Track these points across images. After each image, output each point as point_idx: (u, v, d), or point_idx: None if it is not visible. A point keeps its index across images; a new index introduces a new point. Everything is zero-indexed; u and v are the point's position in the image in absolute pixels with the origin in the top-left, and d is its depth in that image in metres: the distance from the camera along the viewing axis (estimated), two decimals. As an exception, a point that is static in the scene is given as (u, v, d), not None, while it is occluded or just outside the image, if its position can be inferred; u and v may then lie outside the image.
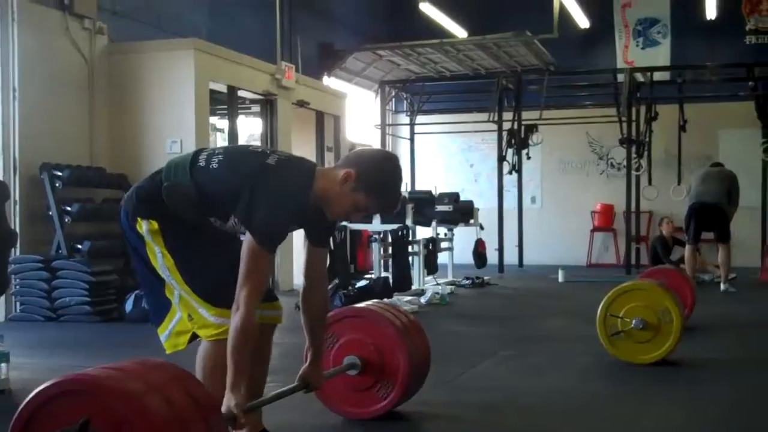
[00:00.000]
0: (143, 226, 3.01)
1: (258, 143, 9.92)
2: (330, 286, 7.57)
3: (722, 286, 9.45)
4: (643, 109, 12.87)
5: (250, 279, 2.80)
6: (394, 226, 8.92)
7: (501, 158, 12.77)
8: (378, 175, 2.93)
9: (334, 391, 3.72)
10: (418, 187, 13.26)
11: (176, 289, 3.02)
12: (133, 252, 3.13)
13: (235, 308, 2.78)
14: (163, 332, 3.12)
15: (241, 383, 2.77)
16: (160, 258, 3.01)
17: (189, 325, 3.03)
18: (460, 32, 13.28)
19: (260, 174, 2.86)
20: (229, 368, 2.76)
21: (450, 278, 10.43)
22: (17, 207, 7.37)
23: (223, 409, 2.67)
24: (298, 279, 9.46)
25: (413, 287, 8.99)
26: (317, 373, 3.30)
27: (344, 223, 9.10)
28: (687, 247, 9.58)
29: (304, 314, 3.23)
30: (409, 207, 9.39)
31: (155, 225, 3.00)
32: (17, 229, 6.93)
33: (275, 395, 3.11)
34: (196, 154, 3.04)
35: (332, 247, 8.63)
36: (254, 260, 2.82)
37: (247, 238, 2.85)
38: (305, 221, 3.04)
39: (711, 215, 9.39)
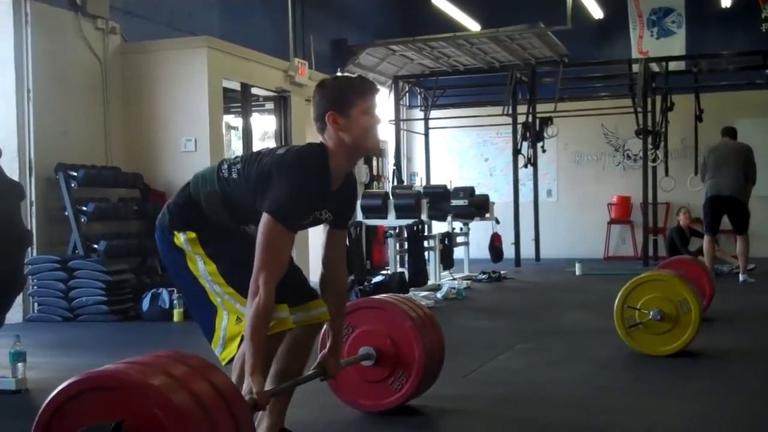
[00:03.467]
0: (181, 238, 3.01)
1: (272, 141, 9.93)
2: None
3: (741, 277, 9.38)
4: (658, 99, 12.80)
5: (268, 261, 2.78)
6: (410, 221, 8.91)
7: (516, 151, 12.72)
8: (336, 89, 2.97)
9: (348, 381, 3.70)
10: (433, 182, 13.24)
11: (219, 295, 2.99)
12: (174, 271, 3.13)
13: (253, 291, 2.76)
14: (216, 345, 3.05)
15: (260, 367, 2.75)
16: (201, 265, 2.99)
17: (238, 329, 2.97)
18: (473, 25, 13.23)
19: (274, 164, 2.87)
20: (247, 353, 2.75)
21: (466, 273, 10.41)
22: (33, 208, 7.41)
23: (245, 394, 2.65)
24: (314, 277, 9.45)
25: (429, 282, 8.98)
26: (335, 361, 3.28)
27: (359, 219, 9.11)
28: (705, 237, 9.51)
29: (324, 300, 3.21)
30: (425, 202, 9.37)
31: (192, 234, 3.00)
32: (33, 230, 6.96)
33: (293, 382, 3.09)
34: (219, 165, 3.07)
35: (348, 243, 8.65)
36: (272, 240, 2.79)
37: (262, 219, 2.82)
38: (325, 200, 2.99)
39: (729, 206, 9.31)
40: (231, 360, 3.01)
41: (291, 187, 2.81)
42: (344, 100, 2.94)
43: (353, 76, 3.02)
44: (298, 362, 3.18)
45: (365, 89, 3.00)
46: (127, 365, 2.28)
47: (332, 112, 2.93)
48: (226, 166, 3.03)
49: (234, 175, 2.98)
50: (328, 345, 3.27)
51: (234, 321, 2.98)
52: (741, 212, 9.35)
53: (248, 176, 2.94)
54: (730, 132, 9.75)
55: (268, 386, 3.08)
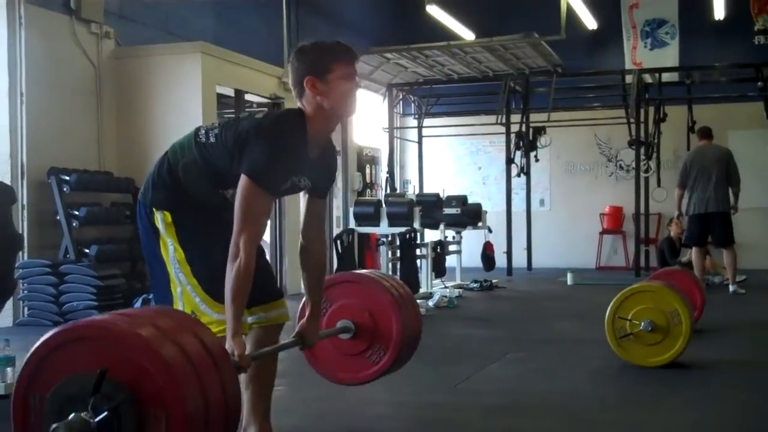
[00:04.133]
0: (158, 219, 3.00)
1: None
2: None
3: (731, 288, 9.40)
4: (651, 110, 12.83)
5: (247, 223, 2.77)
6: (402, 229, 8.91)
7: (509, 161, 12.74)
8: (315, 54, 2.96)
9: (326, 355, 3.66)
10: (426, 190, 13.24)
11: (181, 284, 2.98)
12: (148, 254, 3.12)
13: (233, 254, 2.75)
14: None
15: (240, 331, 2.74)
16: (171, 251, 2.98)
17: None
18: (467, 34, 13.26)
19: (251, 128, 2.87)
20: (228, 316, 2.74)
21: (458, 281, 10.41)
22: (25, 211, 7.38)
23: (234, 355, 2.66)
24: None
25: (421, 290, 8.97)
26: (314, 330, 3.25)
27: (352, 226, 9.09)
28: (693, 249, 9.53)
29: (304, 270, 3.22)
30: (417, 210, 9.37)
31: (169, 217, 2.99)
32: (25, 234, 6.94)
33: (272, 349, 3.06)
34: (196, 131, 3.05)
35: (340, 251, 8.64)
36: (250, 201, 2.79)
37: (240, 182, 2.80)
38: (304, 167, 2.98)
39: (715, 221, 9.36)
40: None
41: (268, 148, 2.80)
42: (323, 65, 2.92)
43: (332, 41, 2.99)
44: (266, 369, 3.16)
45: (344, 54, 2.98)
46: (113, 316, 2.24)
47: (310, 77, 2.91)
48: (203, 131, 3.01)
49: (212, 140, 2.97)
50: (306, 314, 3.24)
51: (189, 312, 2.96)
52: (726, 225, 9.38)
53: (226, 141, 2.92)
54: (707, 134, 9.78)
55: (243, 390, 3.09)
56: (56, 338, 2.20)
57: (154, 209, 3.02)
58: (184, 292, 2.98)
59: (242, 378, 3.11)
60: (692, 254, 9.55)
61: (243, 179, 2.80)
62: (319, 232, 3.21)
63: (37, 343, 2.21)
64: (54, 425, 2.11)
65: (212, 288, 2.93)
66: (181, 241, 2.99)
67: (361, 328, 3.57)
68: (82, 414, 2.10)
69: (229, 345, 2.71)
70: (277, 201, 9.56)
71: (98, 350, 2.15)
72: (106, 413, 2.10)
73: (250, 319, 3.05)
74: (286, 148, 2.85)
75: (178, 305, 3.00)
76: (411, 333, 3.67)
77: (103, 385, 2.10)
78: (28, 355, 2.22)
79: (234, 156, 2.86)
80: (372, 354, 3.60)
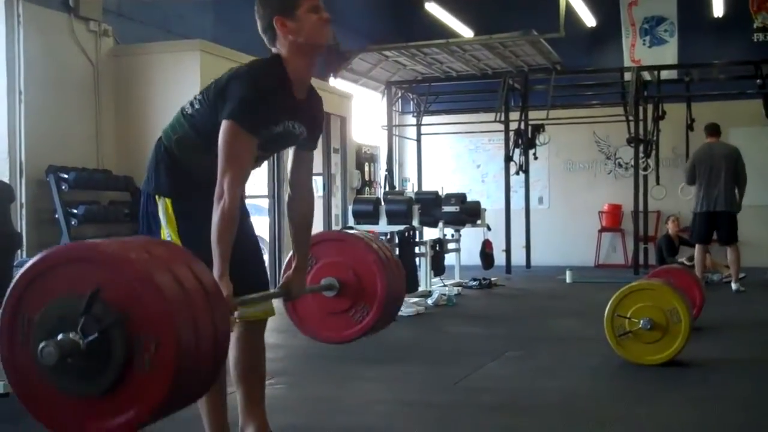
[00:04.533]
0: (160, 209, 2.99)
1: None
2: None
3: (733, 286, 9.39)
4: (650, 108, 12.83)
5: (230, 164, 2.76)
6: (401, 227, 8.91)
7: (508, 158, 12.73)
8: None
9: (309, 314, 3.61)
10: (425, 188, 13.23)
11: None
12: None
13: (218, 195, 2.75)
14: None
15: (227, 271, 2.72)
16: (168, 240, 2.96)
17: None
18: (466, 32, 13.26)
19: (230, 76, 2.87)
20: (215, 257, 2.72)
21: (457, 279, 10.41)
22: (23, 210, 7.37)
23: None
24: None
25: (420, 288, 8.97)
26: (299, 282, 3.23)
27: (351, 224, 9.09)
28: (697, 247, 9.52)
29: (290, 222, 3.21)
30: (416, 208, 9.37)
31: (169, 207, 2.98)
32: (23, 232, 6.93)
33: (258, 296, 3.03)
34: (182, 108, 3.07)
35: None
36: (231, 142, 2.77)
37: (222, 127, 2.79)
38: (294, 111, 2.97)
39: (722, 220, 9.36)
40: None
41: (246, 88, 2.79)
42: (289, 2, 2.90)
43: None
44: (253, 362, 3.15)
45: None
46: (105, 240, 2.23)
47: (279, 17, 2.90)
48: (188, 104, 3.03)
49: (196, 106, 2.99)
50: (293, 266, 3.22)
51: None
52: (732, 224, 9.38)
53: (209, 97, 2.93)
54: (715, 131, 9.76)
55: (236, 390, 3.10)
56: (47, 260, 2.17)
57: (156, 197, 3.01)
58: None
59: (233, 379, 3.11)
60: (696, 252, 9.54)
61: (224, 123, 2.79)
62: (307, 182, 3.19)
63: (28, 264, 2.19)
64: (43, 343, 2.08)
65: None
66: (181, 234, 2.97)
67: (345, 285, 3.51)
68: (71, 335, 2.08)
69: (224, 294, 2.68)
70: (276, 199, 9.56)
71: (89, 272, 2.11)
72: (96, 335, 2.08)
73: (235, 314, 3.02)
74: (267, 89, 2.83)
75: None
76: (395, 293, 3.61)
77: (94, 307, 2.08)
78: (18, 275, 2.19)
79: (217, 107, 2.85)
80: (356, 312, 3.54)
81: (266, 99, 2.82)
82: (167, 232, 2.98)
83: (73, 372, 2.12)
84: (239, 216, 2.81)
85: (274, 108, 2.87)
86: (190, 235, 2.96)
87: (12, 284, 2.20)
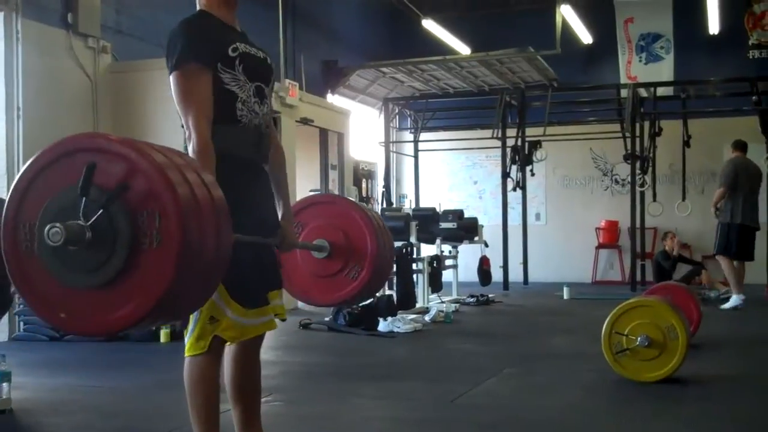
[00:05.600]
0: None
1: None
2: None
3: (738, 301, 9.40)
4: (647, 124, 12.86)
5: (188, 104, 2.81)
6: (399, 244, 8.90)
7: (505, 175, 12.76)
8: None
9: (303, 280, 3.59)
10: (422, 205, 13.26)
11: None
12: None
13: (187, 137, 2.79)
14: (186, 333, 2.94)
15: None
16: None
17: (210, 329, 2.85)
18: (463, 49, 13.32)
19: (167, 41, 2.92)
20: None
21: (454, 296, 10.40)
22: (21, 226, 7.36)
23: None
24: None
25: (417, 305, 8.96)
26: (290, 231, 3.22)
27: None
28: (725, 259, 9.49)
29: (270, 174, 3.18)
30: (413, 224, 9.37)
31: None
32: (21, 248, 6.92)
33: (251, 239, 2.95)
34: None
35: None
36: (183, 84, 2.82)
37: (170, 79, 2.85)
38: (239, 37, 3.01)
39: (751, 236, 9.47)
40: (192, 355, 2.91)
41: (180, 34, 2.86)
42: None
43: None
44: (250, 379, 3.12)
45: None
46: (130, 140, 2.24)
47: None
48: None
49: None
50: (280, 216, 3.20)
51: (206, 320, 2.85)
52: (753, 242, 9.46)
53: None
54: (744, 147, 9.85)
55: (232, 407, 3.09)
56: (41, 159, 2.24)
57: None
58: None
59: (228, 396, 3.09)
60: (725, 264, 9.49)
61: (171, 76, 2.85)
62: (275, 134, 3.21)
63: (22, 170, 2.24)
64: (49, 225, 2.10)
65: (238, 293, 2.87)
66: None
67: (335, 247, 3.50)
68: (74, 221, 2.11)
69: None
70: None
71: (81, 161, 2.15)
72: (99, 213, 2.09)
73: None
74: (201, 24, 2.90)
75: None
76: (385, 251, 3.58)
77: (91, 192, 2.09)
78: (14, 183, 2.24)
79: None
80: (349, 271, 3.51)
81: (203, 28, 2.90)
82: None
83: (78, 260, 2.12)
84: (213, 153, 2.80)
85: (216, 32, 2.93)
86: None
87: (10, 191, 2.23)
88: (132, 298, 2.12)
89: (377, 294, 8.71)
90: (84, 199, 2.10)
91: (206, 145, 2.78)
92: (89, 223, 2.09)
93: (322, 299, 3.66)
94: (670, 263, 10.90)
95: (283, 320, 3.17)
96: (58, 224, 2.09)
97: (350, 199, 3.69)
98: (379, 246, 3.49)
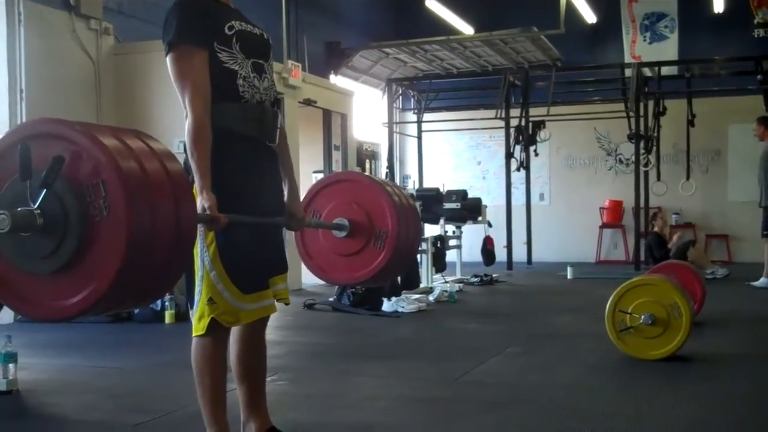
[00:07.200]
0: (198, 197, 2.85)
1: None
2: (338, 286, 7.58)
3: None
4: (651, 104, 12.83)
5: (184, 84, 2.83)
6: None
7: (509, 155, 12.74)
8: None
9: (322, 255, 3.58)
10: (426, 185, 13.25)
11: (207, 268, 2.86)
12: None
13: (185, 116, 2.81)
14: (191, 315, 2.99)
15: (210, 182, 2.73)
16: (201, 231, 2.84)
17: (208, 310, 2.86)
18: (466, 29, 13.26)
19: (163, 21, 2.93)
20: (194, 170, 2.74)
21: (458, 276, 10.42)
22: (25, 208, 7.39)
23: (198, 209, 2.61)
24: (306, 279, 9.55)
25: (421, 285, 8.99)
26: (295, 206, 3.21)
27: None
28: None
29: None
30: (417, 205, 9.37)
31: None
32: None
33: (254, 220, 2.94)
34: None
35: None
36: (179, 64, 2.84)
37: (167, 59, 2.86)
38: (230, 14, 3.02)
39: None
40: (198, 336, 2.93)
41: (176, 12, 2.87)
42: None
43: None
44: (255, 359, 3.14)
45: None
46: (81, 124, 2.23)
47: None
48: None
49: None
50: (286, 194, 3.19)
51: (204, 301, 2.86)
52: None
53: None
54: None
55: (238, 387, 3.11)
56: (17, 134, 2.22)
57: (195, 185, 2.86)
58: (206, 277, 2.87)
59: (234, 376, 3.11)
60: None
61: (168, 57, 2.86)
62: (276, 104, 3.20)
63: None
64: None
65: (238, 275, 2.87)
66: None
67: (356, 225, 3.47)
68: (24, 207, 2.10)
69: (201, 199, 2.68)
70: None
71: (58, 148, 2.13)
72: (43, 194, 2.08)
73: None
74: (194, 6, 2.90)
75: (197, 288, 2.90)
76: (407, 232, 3.55)
77: (33, 175, 2.08)
78: None
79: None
80: (374, 244, 3.47)
81: (197, 8, 2.90)
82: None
83: (33, 246, 2.11)
84: (209, 132, 2.81)
85: (210, 11, 2.93)
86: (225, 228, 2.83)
87: None
88: (91, 277, 2.11)
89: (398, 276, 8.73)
90: (28, 183, 2.10)
91: (201, 124, 2.80)
92: (36, 206, 2.09)
93: (341, 277, 3.65)
94: (663, 252, 10.81)
95: (287, 304, 3.18)
96: (4, 211, 2.08)
97: (372, 176, 3.63)
98: (399, 225, 3.45)
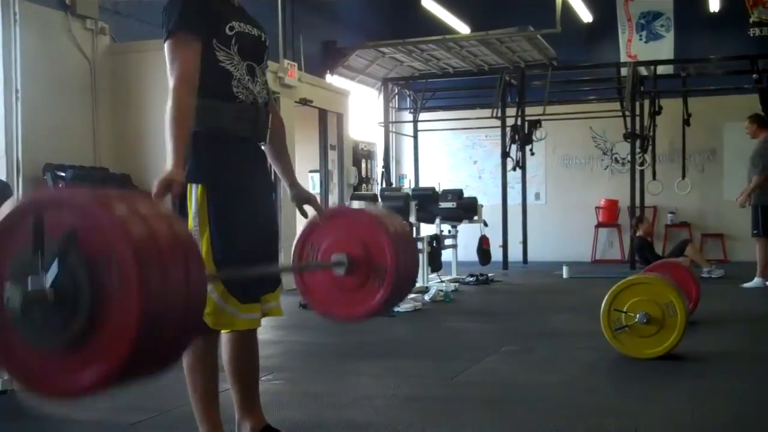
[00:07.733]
0: (192, 197, 2.88)
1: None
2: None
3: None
4: (646, 103, 12.85)
5: (173, 70, 2.83)
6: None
7: (505, 154, 12.75)
8: None
9: (328, 298, 3.46)
10: (422, 184, 13.26)
11: None
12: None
13: (168, 101, 2.82)
14: None
15: (179, 162, 2.70)
16: (196, 230, 2.84)
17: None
18: (462, 28, 13.28)
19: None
20: (170, 148, 2.72)
21: (454, 275, 10.43)
22: (21, 208, 7.37)
23: (163, 177, 2.61)
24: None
25: (417, 285, 8.99)
26: (297, 188, 3.24)
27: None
28: (762, 239, 9.51)
29: (270, 146, 3.19)
30: (413, 204, 9.39)
31: (200, 191, 2.88)
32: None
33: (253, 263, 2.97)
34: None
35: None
36: (174, 51, 2.84)
37: (165, 47, 2.87)
38: (237, 13, 3.02)
39: None
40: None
41: (175, 4, 2.88)
42: None
43: None
44: (248, 359, 3.14)
45: None
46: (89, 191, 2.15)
47: None
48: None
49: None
50: (288, 187, 3.23)
51: None
52: None
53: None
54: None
55: (231, 387, 3.11)
56: (24, 207, 2.11)
57: (189, 184, 2.87)
58: None
59: (227, 376, 3.11)
60: (763, 245, 9.48)
61: (165, 42, 2.87)
62: (273, 104, 3.22)
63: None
64: (7, 292, 2.02)
65: (232, 282, 2.87)
66: (211, 221, 2.87)
67: (355, 261, 3.35)
68: (35, 278, 2.03)
69: (168, 165, 2.66)
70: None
71: (67, 220, 2.06)
72: (57, 268, 2.01)
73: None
74: None
75: None
76: (406, 264, 3.41)
77: (45, 247, 2.02)
78: None
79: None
80: (369, 288, 3.34)
81: (199, 6, 2.89)
82: (195, 223, 2.88)
83: (43, 321, 2.04)
84: (190, 116, 2.81)
85: (213, 6, 2.93)
86: (220, 226, 2.86)
87: None
88: (104, 352, 2.06)
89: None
90: (40, 254, 2.08)
91: (183, 109, 2.78)
92: (50, 285, 2.02)
93: (339, 315, 3.63)
94: (654, 255, 10.78)
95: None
96: (13, 291, 2.01)
97: (370, 209, 3.62)
98: (399, 261, 3.36)
